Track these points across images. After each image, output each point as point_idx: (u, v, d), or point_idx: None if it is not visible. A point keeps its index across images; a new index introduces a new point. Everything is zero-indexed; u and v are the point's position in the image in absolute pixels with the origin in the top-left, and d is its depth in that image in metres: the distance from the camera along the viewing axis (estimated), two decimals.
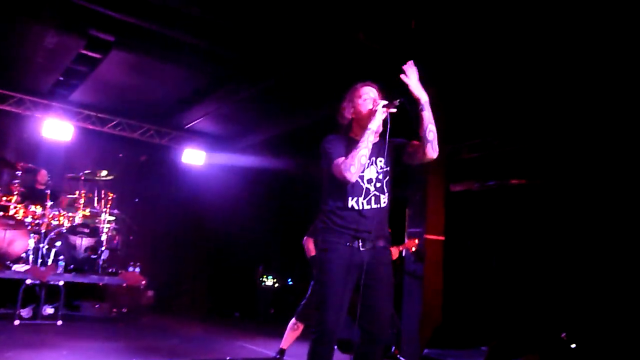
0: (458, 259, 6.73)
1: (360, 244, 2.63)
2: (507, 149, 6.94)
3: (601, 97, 5.59)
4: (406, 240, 5.38)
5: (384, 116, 2.65)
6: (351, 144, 2.66)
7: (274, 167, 9.19)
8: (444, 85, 5.82)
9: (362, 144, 2.59)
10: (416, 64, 2.65)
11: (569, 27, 4.58)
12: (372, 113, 2.68)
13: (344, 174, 2.57)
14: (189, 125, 8.77)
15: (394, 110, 2.65)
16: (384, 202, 2.74)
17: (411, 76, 2.60)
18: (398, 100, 2.62)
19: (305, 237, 4.37)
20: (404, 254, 5.83)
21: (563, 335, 4.54)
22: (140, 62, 6.52)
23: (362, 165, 2.60)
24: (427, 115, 2.57)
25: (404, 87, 2.61)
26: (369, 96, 2.76)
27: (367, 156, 2.62)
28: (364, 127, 2.66)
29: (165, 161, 9.14)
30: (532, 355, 4.50)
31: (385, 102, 2.67)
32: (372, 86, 2.82)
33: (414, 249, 5.12)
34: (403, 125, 2.76)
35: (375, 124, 2.64)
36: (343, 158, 2.61)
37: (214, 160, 9.32)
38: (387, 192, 2.75)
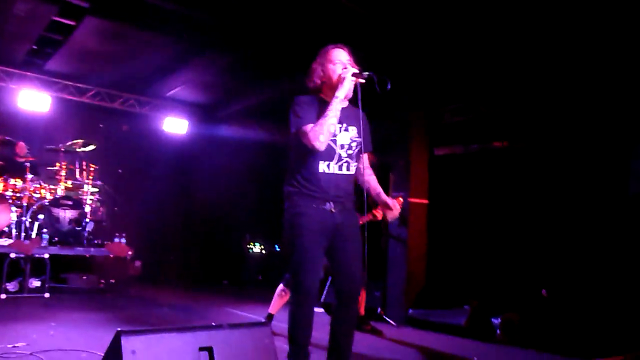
0: (442, 221, 6.82)
1: (332, 206, 2.65)
2: (490, 112, 6.95)
3: (582, 61, 5.60)
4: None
5: (352, 84, 2.64)
6: (321, 106, 2.65)
7: (259, 134, 9.13)
8: (427, 48, 5.78)
9: (330, 112, 2.58)
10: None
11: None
12: (340, 80, 2.65)
13: (313, 142, 2.56)
14: (170, 94, 8.62)
15: (362, 81, 2.64)
16: (353, 170, 2.76)
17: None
18: (367, 74, 2.63)
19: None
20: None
21: (543, 292, 4.68)
22: (117, 29, 6.33)
23: (331, 133, 2.60)
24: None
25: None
26: (339, 61, 2.72)
27: (336, 124, 2.61)
28: (333, 90, 2.66)
29: (148, 130, 9.00)
30: (513, 313, 4.64)
31: (355, 71, 2.64)
32: (343, 49, 2.77)
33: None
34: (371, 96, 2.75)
35: (343, 92, 2.63)
36: (311, 125, 2.58)
37: (198, 128, 9.22)
38: (356, 161, 2.78)
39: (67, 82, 7.98)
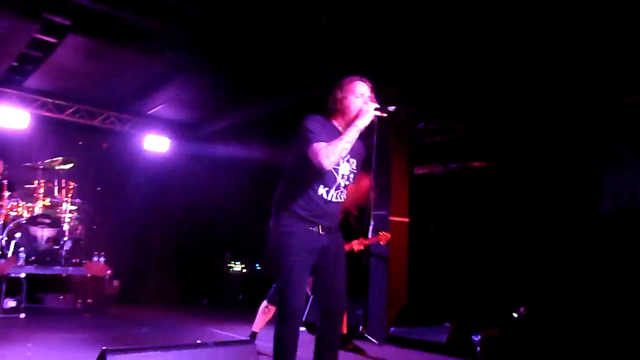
0: (422, 239, 6.90)
1: (320, 228, 2.71)
2: (468, 132, 7.11)
3: (558, 82, 5.79)
4: (372, 235, 5.30)
5: (372, 118, 2.67)
6: (332, 131, 2.68)
7: (241, 153, 9.14)
8: (407, 69, 5.91)
9: (347, 137, 2.60)
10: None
11: (529, 13, 4.71)
12: (362, 112, 2.67)
13: (322, 161, 2.54)
14: (151, 112, 8.60)
15: (385, 115, 2.68)
16: (344, 198, 2.83)
17: None
18: (393, 107, 2.67)
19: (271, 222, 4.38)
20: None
21: (521, 309, 4.75)
22: (99, 47, 6.34)
23: (341, 157, 2.62)
24: None
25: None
26: (361, 94, 2.75)
27: (348, 149, 2.62)
28: (347, 121, 2.70)
29: (128, 148, 8.95)
30: (493, 329, 4.69)
31: (378, 106, 2.68)
32: (367, 83, 2.81)
33: (382, 242, 5.05)
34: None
35: (364, 123, 2.64)
36: (324, 144, 2.57)
37: (179, 147, 9.19)
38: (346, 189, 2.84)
39: (46, 99, 7.91)
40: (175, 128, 9.17)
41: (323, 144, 2.57)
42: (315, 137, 2.60)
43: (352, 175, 2.80)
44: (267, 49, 5.98)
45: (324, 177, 2.68)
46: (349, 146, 2.61)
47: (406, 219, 6.05)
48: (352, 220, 5.07)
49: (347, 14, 5.18)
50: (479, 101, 6.64)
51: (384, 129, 6.29)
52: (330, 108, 2.82)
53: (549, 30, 4.91)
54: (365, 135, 2.71)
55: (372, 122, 2.68)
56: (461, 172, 7.36)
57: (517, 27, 4.96)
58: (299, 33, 5.50)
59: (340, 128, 2.75)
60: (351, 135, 2.62)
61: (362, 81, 2.82)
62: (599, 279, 5.16)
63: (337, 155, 2.57)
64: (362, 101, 2.73)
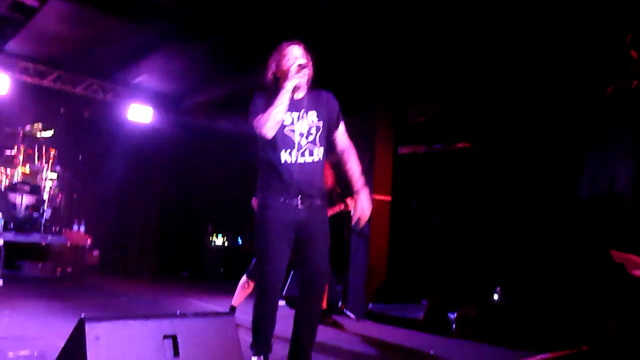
0: (403, 218, 6.98)
1: (299, 202, 2.70)
2: (454, 113, 7.14)
3: (543, 68, 5.83)
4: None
5: (300, 74, 2.70)
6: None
7: (225, 125, 9.07)
8: (392, 49, 5.88)
9: (277, 101, 2.64)
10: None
11: None
12: (287, 72, 2.71)
13: (261, 131, 2.64)
14: (135, 81, 8.45)
15: (306, 67, 2.71)
16: (318, 156, 2.79)
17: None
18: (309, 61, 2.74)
19: (254, 198, 4.39)
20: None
21: (497, 289, 4.86)
22: (83, 13, 6.17)
23: (278, 122, 2.65)
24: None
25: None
26: (292, 56, 2.76)
27: (283, 112, 2.65)
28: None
29: (111, 117, 8.79)
30: (469, 308, 4.80)
31: (302, 62, 2.71)
32: (298, 45, 2.82)
33: (350, 208, 5.08)
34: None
35: (291, 84, 2.67)
36: (260, 115, 2.66)
37: (163, 117, 9.07)
38: (322, 145, 2.80)
39: (27, 64, 7.70)
40: (159, 98, 9.02)
41: (260, 115, 2.66)
42: (254, 113, 2.70)
43: (313, 129, 2.78)
44: (254, 22, 5.90)
45: (281, 141, 2.70)
46: (281, 109, 2.65)
47: (388, 197, 6.10)
48: (334, 196, 5.10)
49: None
50: (465, 83, 6.65)
51: (369, 108, 6.33)
52: (270, 82, 2.83)
53: (534, 16, 4.91)
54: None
55: (308, 78, 2.74)
56: (444, 153, 7.42)
57: (503, 11, 4.95)
58: (286, 7, 5.42)
59: None
60: (281, 98, 2.65)
61: (293, 44, 2.82)
62: (573, 263, 5.29)
63: (272, 120, 2.62)
64: (292, 62, 2.73)
